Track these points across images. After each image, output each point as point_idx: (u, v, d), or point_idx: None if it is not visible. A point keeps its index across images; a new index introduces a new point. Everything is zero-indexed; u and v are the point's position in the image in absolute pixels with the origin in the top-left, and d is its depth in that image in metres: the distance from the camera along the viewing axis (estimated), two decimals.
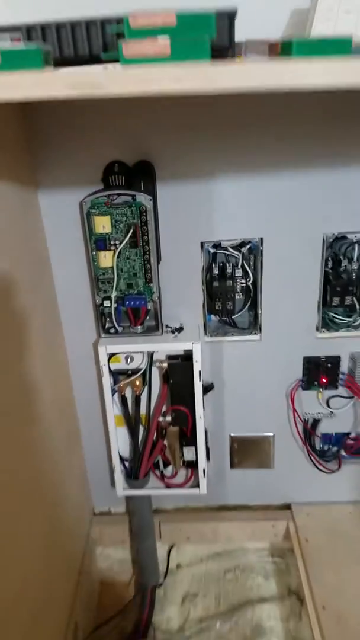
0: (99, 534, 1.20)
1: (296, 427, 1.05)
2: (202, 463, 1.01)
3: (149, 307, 0.91)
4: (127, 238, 0.82)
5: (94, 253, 0.84)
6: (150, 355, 0.96)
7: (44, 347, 0.88)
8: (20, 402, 0.77)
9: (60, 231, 0.89)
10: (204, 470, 1.01)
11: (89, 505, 1.20)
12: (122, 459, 1.05)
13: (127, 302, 0.88)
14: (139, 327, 0.93)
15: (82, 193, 0.82)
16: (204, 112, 0.80)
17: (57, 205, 0.86)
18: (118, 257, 0.84)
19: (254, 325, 1.00)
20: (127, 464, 1.06)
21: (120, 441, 1.05)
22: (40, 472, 0.84)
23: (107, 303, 0.88)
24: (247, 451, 1.11)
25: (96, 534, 1.19)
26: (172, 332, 0.93)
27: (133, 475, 1.06)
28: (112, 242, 0.83)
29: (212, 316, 1.01)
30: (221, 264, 0.96)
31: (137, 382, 0.97)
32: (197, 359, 0.91)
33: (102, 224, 0.81)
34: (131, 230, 0.81)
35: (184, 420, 0.98)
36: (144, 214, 0.81)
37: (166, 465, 1.08)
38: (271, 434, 1.09)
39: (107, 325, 0.94)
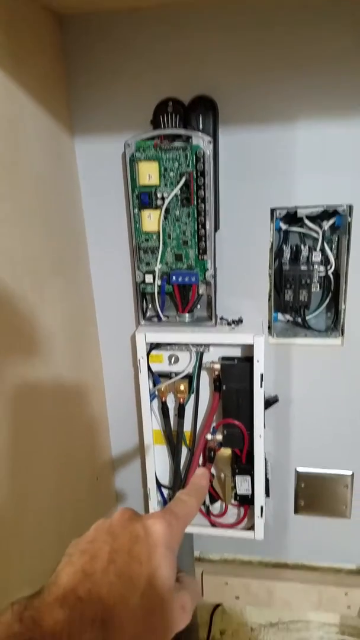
0: None
1: None
2: (259, 498, 0.78)
3: (200, 290, 0.72)
4: (177, 189, 0.65)
5: (136, 211, 0.68)
6: (200, 354, 0.77)
7: (73, 339, 0.72)
8: (40, 409, 0.60)
9: (98, 186, 0.74)
10: (261, 508, 0.79)
11: None
12: (159, 486, 0.85)
13: (174, 278, 0.70)
14: (187, 314, 0.74)
15: (126, 138, 0.66)
16: (284, 31, 0.63)
17: (96, 153, 0.72)
18: (165, 217, 0.67)
19: (334, 326, 0.78)
20: (165, 492, 0.86)
21: (159, 463, 0.85)
22: (57, 499, 0.66)
23: (149, 278, 0.71)
24: (318, 493, 0.88)
25: None
26: (229, 324, 0.74)
27: None
28: (159, 197, 0.66)
29: (279, 314, 0.81)
30: (294, 247, 0.76)
31: (182, 387, 0.78)
32: (259, 358, 0.70)
33: (149, 173, 0.65)
34: (183, 179, 0.64)
35: (239, 440, 0.77)
36: (201, 160, 0.64)
37: (213, 500, 0.86)
38: (350, 472, 0.85)
39: (148, 313, 0.77)
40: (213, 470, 0.85)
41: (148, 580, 0.27)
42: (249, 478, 0.79)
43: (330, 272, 0.76)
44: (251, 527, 0.83)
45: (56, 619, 0.24)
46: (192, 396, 0.80)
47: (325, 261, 0.75)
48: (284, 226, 0.75)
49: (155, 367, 0.79)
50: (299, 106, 0.65)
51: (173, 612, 0.28)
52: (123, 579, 0.26)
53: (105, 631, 0.25)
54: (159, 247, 0.69)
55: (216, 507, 0.87)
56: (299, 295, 0.75)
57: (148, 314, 0.77)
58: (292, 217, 0.73)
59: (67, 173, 0.70)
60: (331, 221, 0.72)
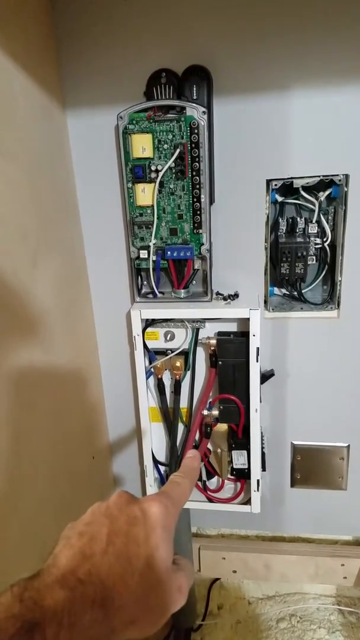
0: None
1: None
2: (256, 472, 0.79)
3: (195, 265, 0.72)
4: (172, 161, 0.63)
5: (129, 185, 0.67)
6: (196, 330, 0.76)
7: (68, 317, 0.71)
8: (35, 392, 0.60)
9: (91, 160, 0.72)
10: (258, 482, 0.79)
11: None
12: (156, 462, 0.85)
13: (169, 253, 0.69)
14: (182, 290, 0.74)
15: (119, 111, 0.65)
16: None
17: (88, 127, 0.70)
18: (160, 191, 0.66)
19: (330, 298, 0.78)
20: (162, 469, 0.86)
21: (155, 440, 0.86)
22: (53, 474, 0.66)
23: (143, 254, 0.70)
24: (314, 466, 0.89)
25: None
26: (225, 299, 0.74)
27: None
28: (153, 170, 0.65)
29: (275, 288, 0.81)
30: (290, 220, 0.76)
31: (178, 364, 0.78)
32: (255, 332, 0.70)
33: (142, 145, 0.64)
34: (177, 151, 0.63)
35: (235, 415, 0.77)
36: (196, 131, 0.63)
37: (210, 475, 0.87)
38: (345, 444, 0.86)
39: (143, 289, 0.76)
40: (209, 446, 0.85)
41: (146, 561, 0.27)
42: (245, 452, 0.80)
43: (326, 244, 0.75)
44: (248, 501, 0.83)
45: (57, 599, 0.25)
46: (188, 372, 0.80)
47: (322, 233, 0.75)
48: (280, 198, 0.74)
49: (151, 344, 0.79)
50: (294, 74, 0.64)
51: (171, 593, 0.28)
52: (122, 560, 0.27)
53: (105, 611, 0.25)
54: (153, 222, 0.68)
55: (213, 482, 0.88)
56: (295, 268, 0.75)
57: (143, 290, 0.76)
58: (288, 189, 0.72)
59: (58, 148, 0.68)
60: (327, 192, 0.72)
